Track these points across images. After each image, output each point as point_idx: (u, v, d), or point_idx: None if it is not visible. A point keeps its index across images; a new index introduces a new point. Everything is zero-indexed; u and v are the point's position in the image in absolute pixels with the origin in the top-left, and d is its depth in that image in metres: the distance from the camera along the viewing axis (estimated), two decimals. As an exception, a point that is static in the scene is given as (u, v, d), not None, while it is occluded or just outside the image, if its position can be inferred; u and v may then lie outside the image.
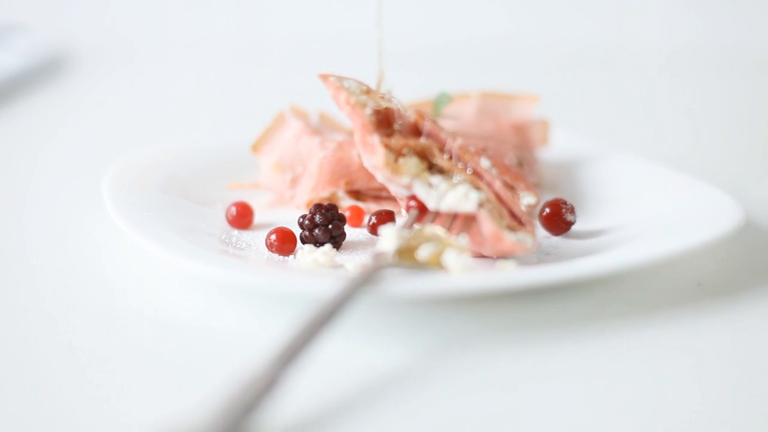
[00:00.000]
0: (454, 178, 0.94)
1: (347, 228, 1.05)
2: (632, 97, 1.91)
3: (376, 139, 0.94)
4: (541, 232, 1.04)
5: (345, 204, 1.11)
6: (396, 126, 0.97)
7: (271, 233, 0.98)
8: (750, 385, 0.78)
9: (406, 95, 1.17)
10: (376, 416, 0.73)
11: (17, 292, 0.94)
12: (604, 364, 0.80)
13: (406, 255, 0.87)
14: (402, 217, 1.03)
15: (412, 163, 0.94)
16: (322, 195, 1.11)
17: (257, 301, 0.89)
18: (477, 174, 0.94)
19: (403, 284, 0.83)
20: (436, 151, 0.95)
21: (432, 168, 0.95)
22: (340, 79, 0.96)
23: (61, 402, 0.75)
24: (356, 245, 1.02)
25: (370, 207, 1.10)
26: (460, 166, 0.95)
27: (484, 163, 0.96)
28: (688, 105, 1.84)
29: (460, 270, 0.86)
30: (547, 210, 1.03)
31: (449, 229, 0.92)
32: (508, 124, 1.23)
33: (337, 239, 1.00)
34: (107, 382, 0.78)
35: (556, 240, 1.02)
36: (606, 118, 1.71)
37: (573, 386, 0.77)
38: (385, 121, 0.96)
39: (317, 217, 0.99)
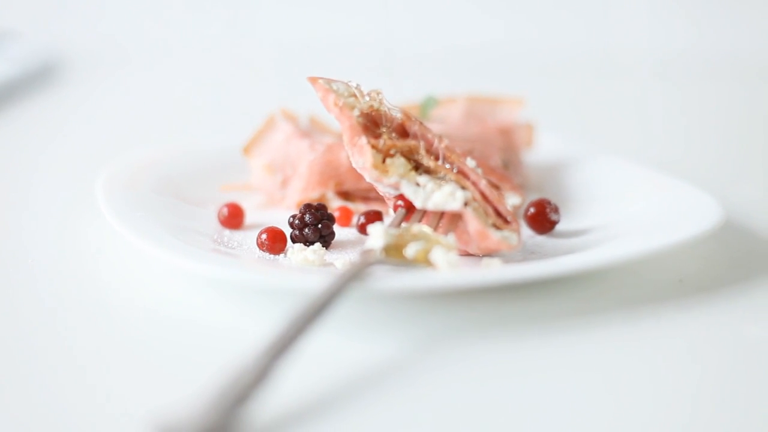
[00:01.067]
0: (441, 177, 0.96)
1: (336, 227, 1.07)
2: (616, 100, 1.94)
3: (363, 141, 0.96)
4: (527, 231, 1.06)
5: (334, 204, 1.13)
6: (383, 128, 0.99)
7: (261, 233, 1.00)
8: (729, 376, 0.80)
9: (395, 99, 1.19)
10: (364, 407, 0.74)
11: (15, 289, 0.96)
12: (588, 357, 0.82)
13: (394, 252, 0.89)
14: (390, 217, 1.05)
15: (399, 163, 0.96)
16: (312, 196, 1.13)
17: (248, 297, 0.91)
18: (463, 173, 0.96)
19: (391, 280, 0.85)
20: (422, 152, 0.97)
21: (419, 168, 0.97)
22: (329, 81, 0.98)
23: (59, 394, 0.76)
24: (345, 244, 1.04)
25: (359, 207, 1.12)
26: (446, 166, 0.97)
27: (470, 163, 0.98)
28: (670, 109, 1.87)
29: (447, 267, 0.88)
30: (532, 210, 1.05)
31: (436, 227, 0.94)
32: (494, 127, 1.25)
33: (326, 238, 1.02)
34: (103, 375, 0.79)
35: (541, 239, 1.04)
36: (590, 121, 1.73)
37: (557, 379, 0.79)
38: (373, 123, 0.98)
39: (307, 217, 1.01)
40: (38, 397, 0.76)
